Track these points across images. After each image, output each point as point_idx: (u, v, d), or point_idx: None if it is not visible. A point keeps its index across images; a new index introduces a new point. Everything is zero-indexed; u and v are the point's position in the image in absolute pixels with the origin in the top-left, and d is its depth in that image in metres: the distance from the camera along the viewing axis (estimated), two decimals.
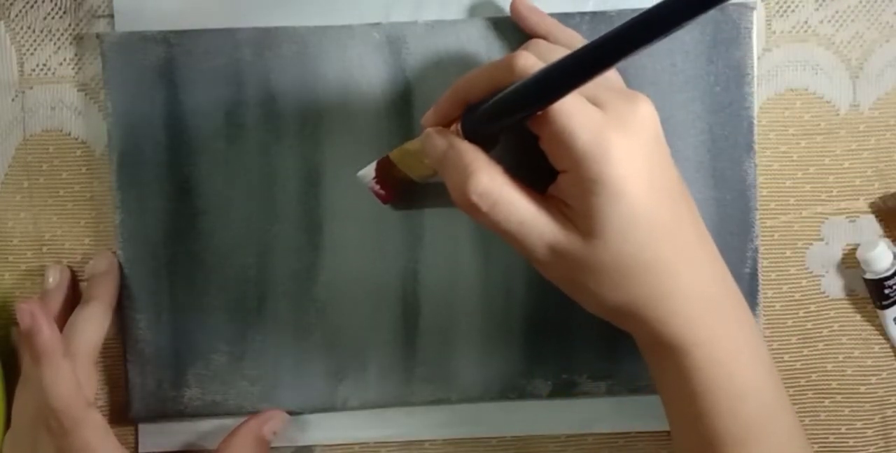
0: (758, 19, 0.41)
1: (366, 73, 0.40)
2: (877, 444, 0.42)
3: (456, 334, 0.40)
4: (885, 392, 0.42)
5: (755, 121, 0.40)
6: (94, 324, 0.38)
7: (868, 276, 0.41)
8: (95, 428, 0.36)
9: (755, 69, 0.40)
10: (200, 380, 0.40)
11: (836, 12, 0.41)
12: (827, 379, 0.42)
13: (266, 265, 0.40)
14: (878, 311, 0.41)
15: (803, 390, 0.42)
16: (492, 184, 0.31)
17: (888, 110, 0.42)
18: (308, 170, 0.40)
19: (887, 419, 0.42)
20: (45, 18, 0.41)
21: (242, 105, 0.40)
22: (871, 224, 0.42)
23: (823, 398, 0.42)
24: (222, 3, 0.40)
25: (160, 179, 0.40)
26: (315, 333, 0.40)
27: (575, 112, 0.30)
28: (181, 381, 0.40)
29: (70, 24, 0.41)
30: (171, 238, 0.40)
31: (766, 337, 0.42)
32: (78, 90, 0.41)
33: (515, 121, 0.32)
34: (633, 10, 0.39)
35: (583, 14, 0.39)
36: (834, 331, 0.42)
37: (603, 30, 0.39)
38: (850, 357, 0.42)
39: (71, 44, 0.41)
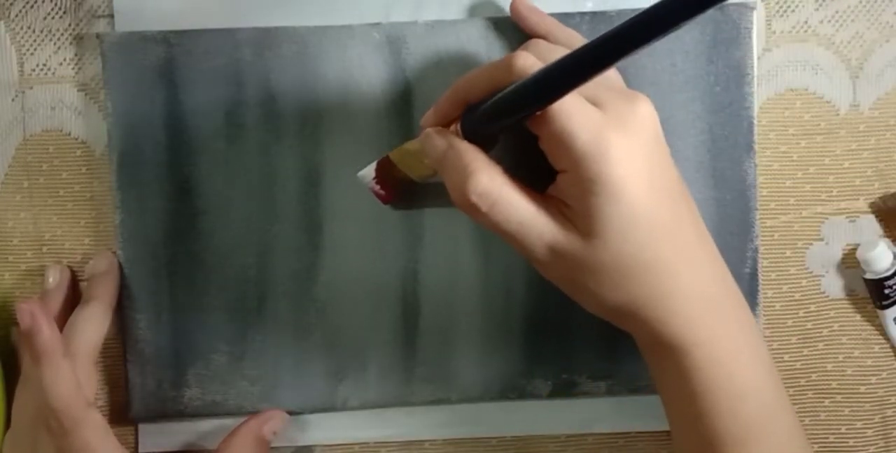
0: (758, 19, 0.41)
1: (366, 73, 0.40)
2: (877, 444, 0.42)
3: (456, 334, 0.40)
4: (885, 392, 0.42)
5: (755, 121, 0.40)
6: (94, 324, 0.38)
7: (868, 276, 0.41)
8: (95, 428, 0.36)
9: (755, 69, 0.40)
10: (200, 380, 0.40)
11: (836, 12, 0.41)
12: (827, 379, 0.42)
13: (266, 265, 0.40)
14: (878, 311, 0.41)
15: (803, 390, 0.42)
16: (491, 185, 0.31)
17: (888, 110, 0.42)
18: (308, 170, 0.40)
19: (887, 419, 0.42)
20: (45, 18, 0.41)
21: (242, 105, 0.40)
22: (871, 224, 0.42)
23: (823, 398, 0.42)
24: (222, 3, 0.40)
25: (160, 179, 0.40)
26: (315, 333, 0.40)
27: (574, 112, 0.30)
28: (181, 381, 0.40)
29: (70, 24, 0.41)
30: (171, 238, 0.40)
31: (766, 337, 0.42)
32: (78, 90, 0.41)
33: (515, 121, 0.32)
34: (633, 11, 0.39)
35: (583, 14, 0.39)
36: (834, 331, 0.42)
37: (603, 30, 0.38)
38: (850, 357, 0.42)
39: (71, 44, 0.41)
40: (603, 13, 0.39)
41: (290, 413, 0.40)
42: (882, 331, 0.42)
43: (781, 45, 0.41)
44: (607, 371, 0.40)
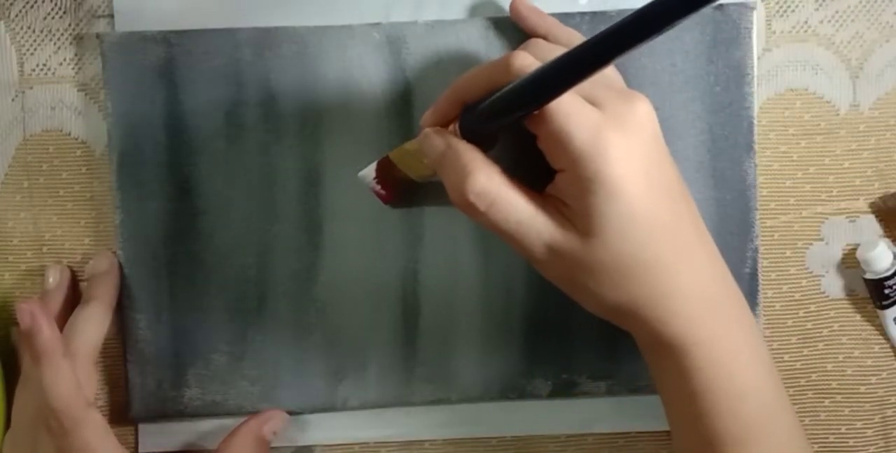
0: (758, 19, 0.41)
1: (366, 73, 0.40)
2: (877, 444, 0.42)
3: (456, 334, 0.40)
4: (885, 392, 0.42)
5: (755, 121, 0.40)
6: (94, 324, 0.38)
7: (868, 276, 0.41)
8: (95, 428, 0.36)
9: (755, 69, 0.40)
10: (200, 380, 0.40)
11: (836, 12, 0.41)
12: (827, 379, 0.42)
13: (266, 265, 0.40)
14: (878, 311, 0.41)
15: (803, 390, 0.42)
16: (489, 184, 0.31)
17: (888, 110, 0.42)
18: (308, 170, 0.40)
19: (887, 419, 0.42)
20: (45, 18, 0.41)
21: (242, 105, 0.40)
22: (871, 224, 0.42)
23: (823, 398, 0.42)
24: (222, 3, 0.40)
25: (160, 179, 0.40)
26: (315, 333, 0.40)
27: (572, 111, 0.30)
28: (181, 381, 0.40)
29: (70, 24, 0.41)
30: (171, 238, 0.40)
31: (766, 337, 0.42)
32: (78, 90, 0.41)
33: (513, 120, 0.32)
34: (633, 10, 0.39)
35: (583, 14, 0.39)
36: (834, 331, 0.42)
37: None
38: (850, 357, 0.42)
39: (71, 44, 0.41)
40: (603, 13, 0.39)
41: (290, 413, 0.40)
42: (882, 331, 0.42)
43: (781, 45, 0.41)
44: (607, 371, 0.40)
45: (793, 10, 0.41)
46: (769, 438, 0.33)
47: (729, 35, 0.40)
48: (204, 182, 0.40)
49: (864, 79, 0.41)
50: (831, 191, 0.42)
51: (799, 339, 0.42)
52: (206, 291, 0.40)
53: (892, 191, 0.41)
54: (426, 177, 0.37)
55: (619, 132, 0.30)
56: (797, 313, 0.42)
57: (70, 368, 0.36)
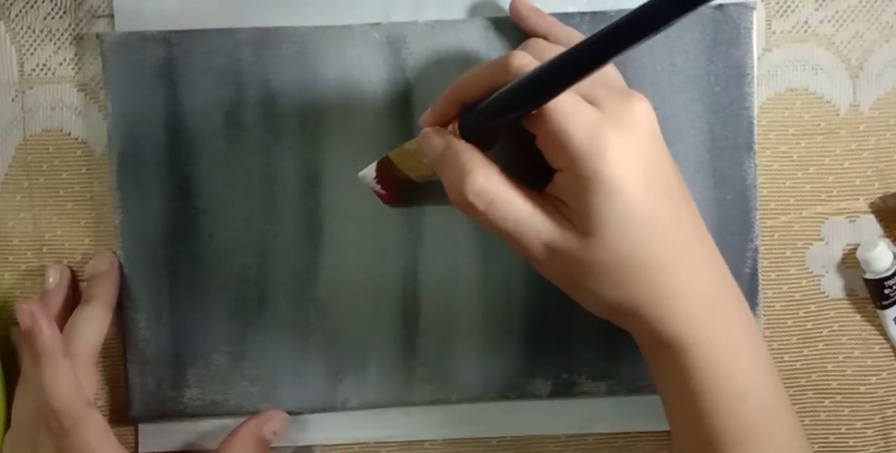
0: (758, 19, 0.41)
1: (366, 73, 0.40)
2: (877, 444, 0.42)
3: (456, 334, 0.40)
4: (885, 392, 0.42)
5: (755, 121, 0.40)
6: (94, 324, 0.38)
7: (868, 276, 0.41)
8: (95, 428, 0.36)
9: (755, 69, 0.40)
10: (200, 380, 0.40)
11: (836, 12, 0.41)
12: (827, 379, 0.42)
13: (266, 265, 0.40)
14: (878, 311, 0.41)
15: (803, 390, 0.42)
16: (488, 184, 0.31)
17: (888, 110, 0.42)
18: (308, 170, 0.40)
19: (887, 419, 0.42)
20: (45, 18, 0.41)
21: (242, 105, 0.40)
22: (871, 224, 0.42)
23: (823, 398, 0.42)
24: (222, 3, 0.40)
25: (160, 179, 0.40)
26: (315, 333, 0.40)
27: (570, 110, 0.30)
28: (181, 381, 0.40)
29: (70, 24, 0.41)
30: (171, 238, 0.40)
31: (766, 337, 0.42)
32: (78, 90, 0.41)
33: (511, 120, 0.32)
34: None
35: (583, 14, 0.39)
36: (834, 331, 0.42)
37: None
38: (850, 357, 0.42)
39: (71, 44, 0.41)
40: (603, 13, 0.39)
41: (290, 413, 0.40)
42: (882, 331, 0.42)
43: (781, 45, 0.41)
44: (607, 371, 0.40)
45: (793, 10, 0.41)
46: (769, 438, 0.33)
47: (729, 35, 0.40)
48: (204, 182, 0.40)
49: (864, 79, 0.41)
50: (831, 191, 0.42)
51: (799, 339, 0.42)
52: (206, 291, 0.40)
53: (892, 191, 0.41)
54: (426, 177, 0.37)
55: (617, 131, 0.30)
56: (797, 313, 0.42)
57: (70, 368, 0.36)
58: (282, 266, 0.40)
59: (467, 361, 0.40)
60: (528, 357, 0.40)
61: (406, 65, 0.40)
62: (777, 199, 0.42)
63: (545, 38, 0.38)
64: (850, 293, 0.42)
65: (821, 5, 0.41)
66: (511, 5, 0.39)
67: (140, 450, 0.41)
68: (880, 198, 0.42)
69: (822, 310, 0.42)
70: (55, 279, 0.40)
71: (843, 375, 0.42)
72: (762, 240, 0.41)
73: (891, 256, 0.40)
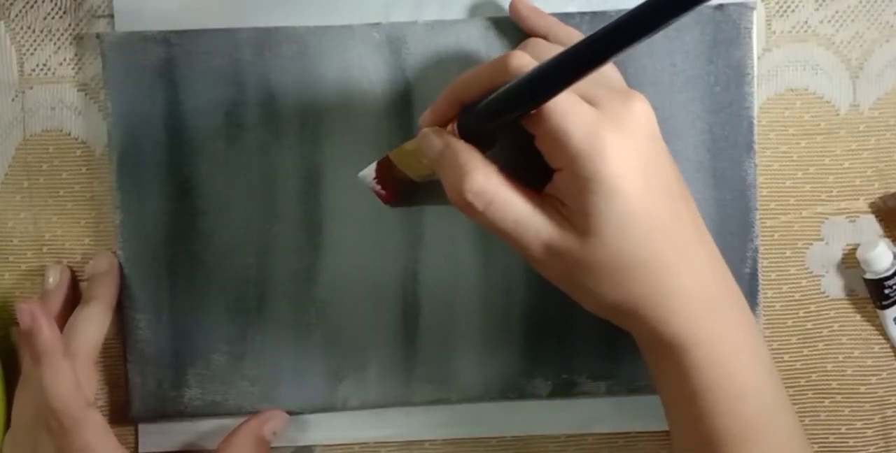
0: (758, 19, 0.41)
1: (366, 73, 0.40)
2: (877, 444, 0.42)
3: (456, 334, 0.40)
4: (885, 392, 0.42)
5: (755, 121, 0.40)
6: (94, 324, 0.38)
7: (868, 276, 0.41)
8: (95, 428, 0.36)
9: (755, 69, 0.40)
10: (200, 380, 0.40)
11: (836, 12, 0.41)
12: (827, 379, 0.42)
13: (266, 265, 0.40)
14: (878, 311, 0.41)
15: (803, 390, 0.42)
16: (487, 184, 0.31)
17: (888, 110, 0.42)
18: (308, 170, 0.40)
19: (887, 419, 0.42)
20: (45, 18, 0.41)
21: (242, 105, 0.40)
22: (871, 224, 0.42)
23: (823, 398, 0.42)
24: (222, 3, 0.40)
25: (160, 179, 0.40)
26: (315, 333, 0.40)
27: (569, 110, 0.30)
28: (181, 381, 0.40)
29: (70, 24, 0.41)
30: (171, 238, 0.40)
31: (766, 337, 0.42)
32: (78, 90, 0.41)
33: (510, 120, 0.32)
34: None
35: (583, 14, 0.39)
36: (834, 331, 0.42)
37: None
38: (850, 357, 0.42)
39: (71, 44, 0.41)
40: (603, 13, 0.39)
41: (290, 413, 0.40)
42: (882, 331, 0.42)
43: (781, 45, 0.41)
44: (607, 371, 0.40)
45: (793, 10, 0.41)
46: (769, 438, 0.33)
47: (729, 35, 0.40)
48: (204, 182, 0.40)
49: (864, 79, 0.41)
50: (831, 191, 0.42)
51: (799, 339, 0.42)
52: (206, 291, 0.40)
53: (892, 191, 0.41)
54: (426, 177, 0.37)
55: (616, 131, 0.30)
56: (797, 313, 0.42)
57: (70, 368, 0.36)
58: (282, 266, 0.40)
59: (467, 361, 0.40)
60: (528, 357, 0.40)
61: (406, 65, 0.40)
62: (777, 199, 0.42)
63: (545, 37, 0.38)
64: (850, 293, 0.42)
65: (821, 5, 0.41)
66: (511, 5, 0.39)
67: (140, 450, 0.41)
68: (880, 198, 0.42)
69: (822, 310, 0.42)
70: (55, 279, 0.40)
71: (843, 375, 0.42)
72: (762, 240, 0.41)
73: (891, 256, 0.40)
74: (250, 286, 0.40)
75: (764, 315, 0.42)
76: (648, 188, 0.31)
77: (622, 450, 0.42)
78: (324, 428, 0.41)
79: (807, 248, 0.42)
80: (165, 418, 0.40)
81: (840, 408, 0.42)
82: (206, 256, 0.40)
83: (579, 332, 0.40)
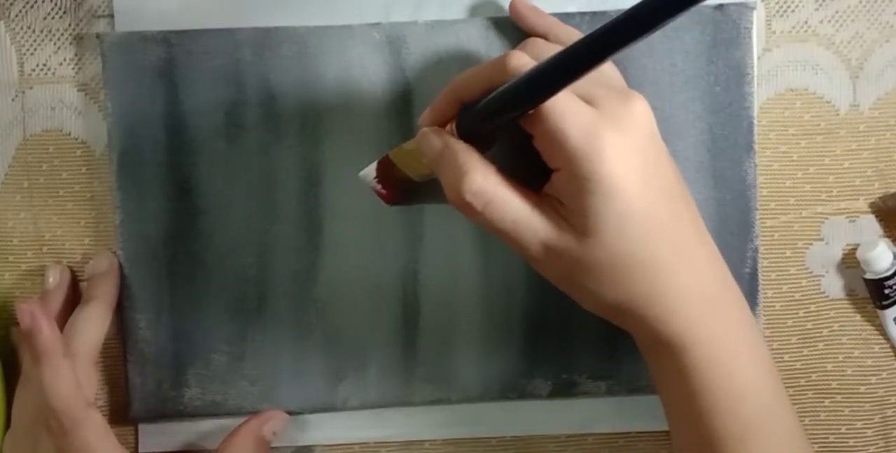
0: (758, 19, 0.41)
1: (366, 73, 0.40)
2: (877, 444, 0.42)
3: (456, 334, 0.40)
4: (885, 392, 0.42)
5: (755, 121, 0.40)
6: (94, 324, 0.38)
7: (868, 276, 0.41)
8: (95, 428, 0.36)
9: (755, 69, 0.40)
10: (200, 380, 0.40)
11: (836, 12, 0.41)
12: (827, 379, 0.42)
13: (266, 265, 0.40)
14: (878, 311, 0.41)
15: (803, 390, 0.42)
16: (485, 184, 0.31)
17: (888, 110, 0.42)
18: (308, 170, 0.40)
19: (887, 419, 0.42)
20: (45, 18, 0.41)
21: (242, 105, 0.40)
22: (871, 224, 0.42)
23: (823, 398, 0.42)
24: (222, 3, 0.40)
25: (160, 179, 0.40)
26: (315, 333, 0.40)
27: (567, 110, 0.30)
28: (181, 381, 0.40)
29: (70, 24, 0.41)
30: (171, 238, 0.40)
31: (766, 337, 0.42)
32: (78, 90, 0.41)
33: (508, 120, 0.32)
34: None
35: (583, 14, 0.39)
36: (834, 331, 0.42)
37: None
38: (850, 357, 0.42)
39: (71, 44, 0.41)
40: (603, 13, 0.39)
41: (290, 413, 0.40)
42: (882, 331, 0.42)
43: (781, 45, 0.41)
44: (607, 371, 0.40)
45: (793, 10, 0.41)
46: (769, 438, 0.33)
47: (729, 35, 0.40)
48: (204, 182, 0.40)
49: (864, 79, 0.41)
50: (831, 191, 0.42)
51: (799, 339, 0.42)
52: (206, 291, 0.40)
53: (892, 191, 0.41)
54: (426, 176, 0.37)
55: (614, 131, 0.30)
56: (797, 313, 0.42)
57: (70, 368, 0.36)
58: (282, 266, 0.40)
59: (467, 361, 0.40)
60: (528, 357, 0.40)
61: (406, 65, 0.40)
62: (777, 199, 0.42)
63: (545, 37, 0.38)
64: (850, 293, 0.42)
65: (821, 5, 0.41)
66: (511, 5, 0.39)
67: (140, 450, 0.41)
68: (880, 198, 0.42)
69: (822, 310, 0.42)
70: (55, 279, 0.40)
71: (843, 375, 0.42)
72: (762, 240, 0.41)
73: (891, 256, 0.40)
74: (250, 286, 0.40)
75: (764, 315, 0.42)
76: (647, 188, 0.31)
77: (622, 450, 0.42)
78: (324, 428, 0.41)
79: (807, 248, 0.42)
80: (165, 418, 0.40)
81: (840, 408, 0.42)
82: (206, 256, 0.40)
83: (579, 332, 0.40)
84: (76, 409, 0.35)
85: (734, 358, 0.33)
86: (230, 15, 0.40)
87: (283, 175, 0.40)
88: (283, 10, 0.40)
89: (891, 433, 0.42)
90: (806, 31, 0.41)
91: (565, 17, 0.39)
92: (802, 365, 0.42)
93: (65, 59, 0.41)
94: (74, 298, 0.40)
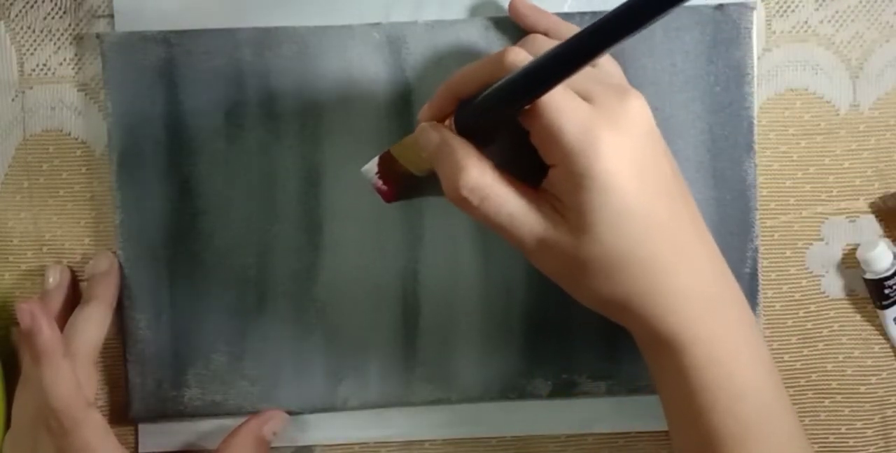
0: (758, 19, 0.41)
1: (366, 73, 0.40)
2: (877, 444, 0.42)
3: (456, 334, 0.40)
4: (885, 392, 0.42)
5: (755, 121, 0.40)
6: (94, 324, 0.38)
7: (868, 276, 0.41)
8: (95, 428, 0.36)
9: (755, 69, 0.40)
10: (200, 380, 0.40)
11: (836, 12, 0.41)
12: (827, 379, 0.42)
13: (266, 265, 0.40)
14: (878, 311, 0.41)
15: (803, 390, 0.42)
16: (482, 180, 0.32)
17: (888, 110, 0.42)
18: (308, 170, 0.40)
19: (887, 419, 0.42)
20: (45, 18, 0.41)
21: (242, 105, 0.40)
22: (871, 224, 0.42)
23: (823, 398, 0.42)
24: (222, 3, 0.40)
25: (160, 179, 0.40)
26: (315, 333, 0.40)
27: (563, 106, 0.30)
28: (181, 381, 0.40)
29: (70, 24, 0.41)
30: (171, 238, 0.40)
31: (766, 337, 0.42)
32: (78, 90, 0.41)
33: (505, 115, 0.32)
34: None
35: (583, 14, 0.39)
36: (834, 331, 0.42)
37: None
38: (850, 357, 0.42)
39: (71, 44, 0.41)
40: (602, 13, 0.39)
41: (290, 413, 0.40)
42: (882, 330, 0.42)
43: (781, 45, 0.41)
44: (607, 371, 0.40)
45: (793, 10, 0.41)
46: (769, 438, 0.33)
47: (729, 35, 0.40)
48: (204, 182, 0.40)
49: (864, 79, 0.41)
50: (831, 191, 0.42)
51: (799, 339, 0.42)
52: (206, 291, 0.40)
53: (892, 191, 0.41)
54: (427, 171, 0.37)
55: (610, 128, 0.30)
56: (797, 313, 0.42)
57: (70, 368, 0.36)
58: (282, 266, 0.40)
59: (467, 361, 0.40)
60: (528, 357, 0.40)
61: (406, 65, 0.40)
62: (777, 199, 0.42)
63: (546, 36, 0.38)
64: (850, 293, 0.42)
65: (821, 5, 0.41)
66: (510, 4, 0.39)
67: (140, 450, 0.41)
68: (880, 198, 0.42)
69: (822, 310, 0.42)
70: (55, 279, 0.40)
71: (843, 375, 0.42)
72: (762, 240, 0.41)
73: (891, 256, 0.40)
74: (250, 286, 0.40)
75: (764, 315, 0.42)
76: (644, 186, 0.31)
77: (622, 450, 0.42)
78: (324, 428, 0.41)
79: (807, 248, 0.42)
80: (165, 418, 0.40)
81: (840, 408, 0.42)
82: (206, 256, 0.40)
83: (579, 332, 0.40)
84: (76, 409, 0.35)
85: (734, 357, 0.33)
86: (230, 15, 0.40)
87: (283, 175, 0.40)
88: (283, 10, 0.40)
89: (891, 433, 0.42)
90: (806, 31, 0.41)
91: (564, 17, 0.39)
92: (802, 365, 0.42)
93: (65, 59, 0.41)
94: (74, 298, 0.40)
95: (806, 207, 0.42)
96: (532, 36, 0.37)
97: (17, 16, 0.41)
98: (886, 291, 0.41)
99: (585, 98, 0.31)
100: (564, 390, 0.40)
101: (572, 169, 0.30)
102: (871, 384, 0.42)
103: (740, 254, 0.40)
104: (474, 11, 0.40)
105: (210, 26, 0.40)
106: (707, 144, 0.40)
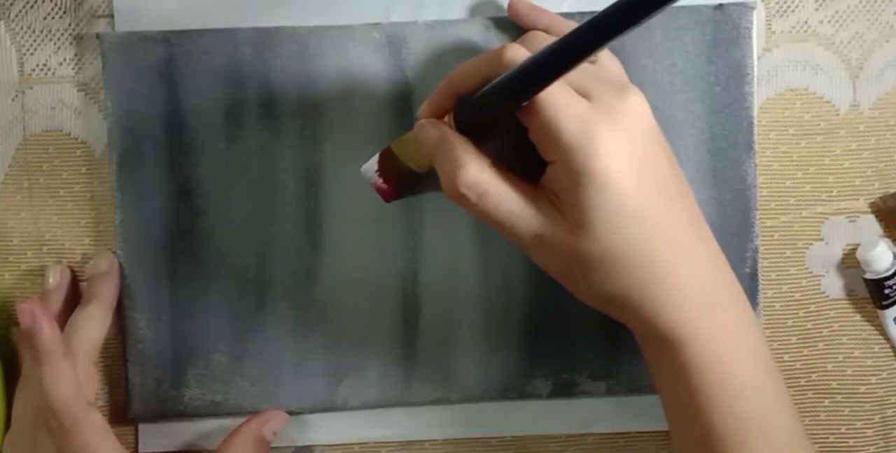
0: (758, 19, 0.41)
1: (366, 73, 0.40)
2: (877, 444, 0.42)
3: (456, 334, 0.40)
4: (885, 392, 0.42)
5: (755, 121, 0.40)
6: (94, 324, 0.38)
7: (868, 276, 0.41)
8: (95, 428, 0.36)
9: (755, 69, 0.40)
10: (200, 380, 0.40)
11: (836, 12, 0.41)
12: (827, 379, 0.42)
13: (266, 265, 0.40)
14: (878, 311, 0.41)
15: (803, 390, 0.42)
16: (480, 177, 0.32)
17: (888, 110, 0.42)
18: (308, 170, 0.40)
19: (887, 419, 0.42)
20: (45, 18, 0.41)
21: (242, 105, 0.40)
22: (871, 224, 0.42)
23: (823, 398, 0.42)
24: (222, 3, 0.40)
25: (160, 179, 0.40)
26: (315, 333, 0.40)
27: (561, 103, 0.30)
28: (181, 381, 0.40)
29: (70, 24, 0.41)
30: (171, 238, 0.40)
31: (766, 337, 0.42)
32: (78, 90, 0.41)
33: (504, 112, 0.32)
34: None
35: (582, 14, 0.39)
36: (834, 331, 0.42)
37: None
38: (850, 357, 0.42)
39: (71, 44, 0.41)
40: None
41: (290, 413, 0.40)
42: (882, 330, 0.42)
43: (781, 45, 0.41)
44: (607, 371, 0.40)
45: (793, 10, 0.41)
46: (769, 437, 0.33)
47: (729, 35, 0.40)
48: (204, 182, 0.40)
49: (864, 79, 0.41)
50: (831, 191, 0.42)
51: (799, 339, 0.42)
52: (206, 291, 0.40)
53: (892, 191, 0.41)
54: (426, 167, 0.37)
55: (608, 125, 0.30)
56: (797, 313, 0.42)
57: (70, 368, 0.36)
58: (282, 266, 0.40)
59: (467, 361, 0.40)
60: (528, 357, 0.40)
61: (406, 64, 0.40)
62: (777, 199, 0.42)
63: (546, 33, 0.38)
64: (850, 293, 0.42)
65: (821, 5, 0.41)
66: (510, 4, 0.39)
67: (140, 450, 0.41)
68: (880, 198, 0.42)
69: (822, 310, 0.42)
70: (55, 279, 0.40)
71: (843, 375, 0.42)
72: (762, 240, 0.41)
73: (891, 256, 0.40)
74: (250, 286, 0.40)
75: (764, 315, 0.42)
76: (642, 184, 0.31)
77: (622, 450, 0.42)
78: (324, 428, 0.41)
79: (807, 248, 0.42)
80: (165, 418, 0.40)
81: (840, 408, 0.42)
82: (206, 256, 0.40)
83: (579, 332, 0.40)
84: (76, 409, 0.35)
85: (734, 356, 0.33)
86: (230, 15, 0.40)
87: (283, 175, 0.40)
88: (283, 10, 0.40)
89: (891, 433, 0.42)
90: (806, 31, 0.41)
91: (566, 18, 0.39)
92: (802, 365, 0.42)
93: (65, 59, 0.41)
94: (74, 298, 0.40)
95: (806, 207, 0.42)
96: (531, 33, 0.37)
97: (17, 16, 0.41)
98: (886, 291, 0.41)
99: (584, 95, 0.31)
100: (564, 390, 0.40)
101: (570, 166, 0.30)
102: (871, 384, 0.42)
103: (740, 254, 0.40)
104: (474, 11, 0.40)
105: (210, 26, 0.40)
106: (707, 144, 0.40)
